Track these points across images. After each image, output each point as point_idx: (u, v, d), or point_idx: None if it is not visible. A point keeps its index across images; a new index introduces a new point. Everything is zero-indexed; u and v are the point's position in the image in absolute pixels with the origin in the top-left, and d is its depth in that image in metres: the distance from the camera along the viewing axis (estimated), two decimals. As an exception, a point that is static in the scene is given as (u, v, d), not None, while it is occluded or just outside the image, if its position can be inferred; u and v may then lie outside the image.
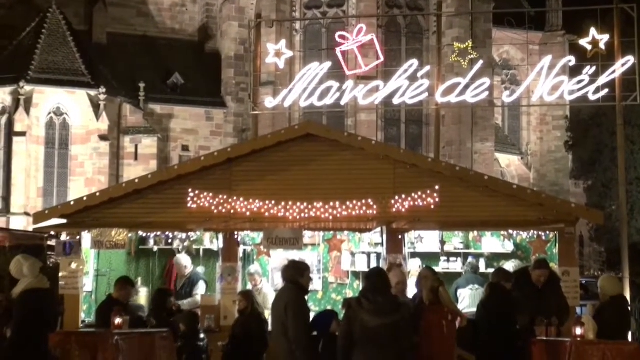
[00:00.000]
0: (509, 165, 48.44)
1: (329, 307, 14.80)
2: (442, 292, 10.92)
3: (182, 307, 14.56)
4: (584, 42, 21.64)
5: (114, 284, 13.66)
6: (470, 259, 15.65)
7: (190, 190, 15.43)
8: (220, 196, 15.37)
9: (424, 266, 14.70)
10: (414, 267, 15.24)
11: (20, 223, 34.75)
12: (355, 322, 9.35)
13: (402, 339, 9.36)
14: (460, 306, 13.82)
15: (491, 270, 15.47)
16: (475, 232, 15.84)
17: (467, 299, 14.56)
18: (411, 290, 13.18)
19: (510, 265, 14.95)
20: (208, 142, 41.80)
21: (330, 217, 15.12)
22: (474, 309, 13.47)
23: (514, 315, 11.29)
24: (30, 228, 19.47)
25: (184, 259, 15.52)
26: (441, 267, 15.68)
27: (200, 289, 15.31)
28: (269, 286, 15.53)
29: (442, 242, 15.62)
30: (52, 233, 16.25)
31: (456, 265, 15.94)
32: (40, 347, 9.85)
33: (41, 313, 9.90)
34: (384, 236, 14.94)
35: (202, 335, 13.42)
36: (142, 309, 14.57)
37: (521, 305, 11.77)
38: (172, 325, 13.12)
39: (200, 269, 15.93)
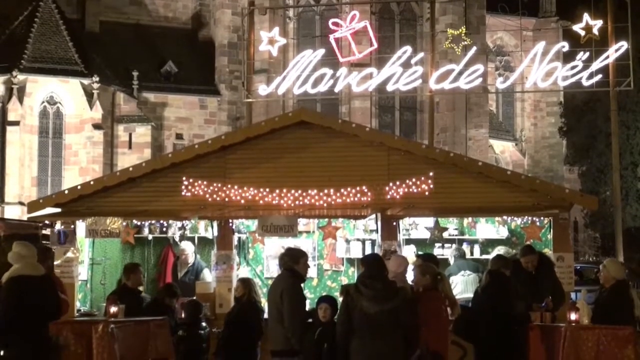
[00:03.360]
0: (503, 151, 48.48)
1: (324, 294, 14.81)
2: (444, 278, 10.96)
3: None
4: (578, 28, 21.72)
5: (123, 272, 13.64)
6: (454, 245, 15.63)
7: (184, 178, 15.44)
8: (215, 184, 15.38)
9: (419, 253, 14.65)
10: (410, 254, 15.23)
11: (14, 212, 34.67)
12: (354, 309, 9.35)
13: (402, 324, 9.37)
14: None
15: (485, 257, 15.53)
16: (470, 218, 15.84)
17: (460, 285, 14.54)
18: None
19: (499, 252, 14.94)
20: (202, 130, 41.75)
21: (325, 204, 15.13)
22: (466, 295, 13.53)
23: (514, 302, 11.28)
24: (25, 217, 19.42)
25: (189, 247, 15.50)
26: (435, 253, 15.67)
27: (207, 277, 15.24)
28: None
29: (442, 229, 15.53)
30: (47, 222, 16.24)
31: (451, 252, 15.95)
32: (27, 335, 9.78)
33: (23, 300, 9.81)
34: (379, 223, 14.94)
35: (203, 324, 13.42)
36: None
37: (517, 291, 11.79)
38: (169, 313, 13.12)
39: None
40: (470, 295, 14.10)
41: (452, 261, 15.15)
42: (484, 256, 15.72)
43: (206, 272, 15.33)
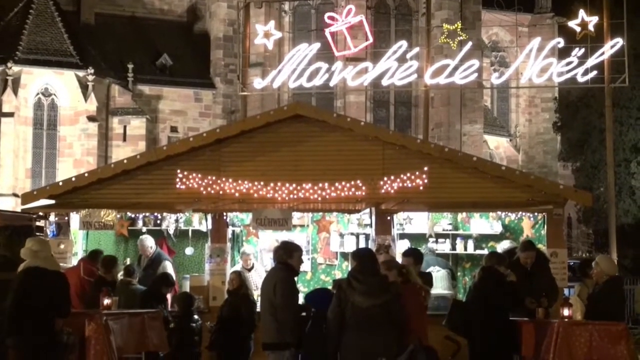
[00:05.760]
0: (498, 147, 48.45)
1: (317, 287, 14.81)
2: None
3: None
4: (573, 24, 21.74)
5: (101, 264, 13.56)
6: (429, 243, 15.68)
7: (179, 171, 15.45)
8: (209, 177, 15.39)
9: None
10: (403, 248, 15.22)
11: (8, 204, 34.58)
12: (347, 303, 9.35)
13: (393, 318, 9.38)
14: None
15: (479, 252, 15.56)
16: (464, 214, 15.86)
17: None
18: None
19: (503, 246, 14.96)
20: (197, 123, 41.64)
21: (319, 198, 15.15)
22: (437, 291, 13.55)
23: (507, 298, 11.27)
24: (19, 209, 19.40)
25: (148, 240, 15.44)
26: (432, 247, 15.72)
27: (169, 270, 15.05)
28: (260, 267, 15.55)
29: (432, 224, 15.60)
30: (41, 214, 16.23)
31: (444, 247, 15.97)
32: (34, 325, 9.80)
33: (32, 290, 9.85)
34: (373, 217, 14.96)
35: (195, 317, 13.40)
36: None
37: (511, 287, 11.77)
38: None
39: (189, 250, 15.93)
40: (441, 291, 14.20)
41: None
42: (478, 251, 15.76)
43: (167, 265, 15.13)
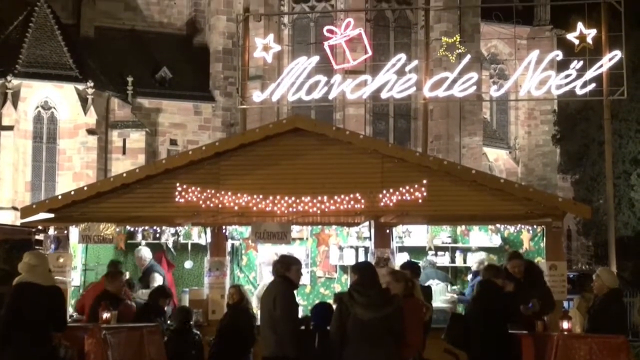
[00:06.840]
0: (497, 159, 48.50)
1: (317, 301, 14.78)
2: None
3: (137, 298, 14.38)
4: (572, 37, 21.72)
5: (105, 276, 13.55)
6: (429, 256, 15.68)
7: (178, 184, 15.46)
8: (208, 190, 15.40)
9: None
10: (402, 261, 15.21)
11: (7, 217, 34.61)
12: (348, 317, 9.35)
13: (394, 331, 9.38)
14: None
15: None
16: (463, 226, 15.85)
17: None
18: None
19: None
20: (196, 137, 41.73)
21: (318, 211, 15.16)
22: (436, 304, 13.51)
23: (506, 310, 11.27)
24: (18, 222, 19.40)
25: (144, 252, 15.46)
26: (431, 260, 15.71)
27: (157, 281, 15.07)
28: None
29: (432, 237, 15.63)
30: (40, 227, 16.23)
31: (444, 260, 15.96)
32: (27, 340, 9.78)
33: (24, 305, 9.83)
34: (372, 230, 14.95)
35: (195, 330, 13.35)
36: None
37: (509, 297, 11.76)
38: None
39: (189, 264, 15.91)
40: (440, 304, 14.16)
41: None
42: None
43: (157, 277, 15.19)
